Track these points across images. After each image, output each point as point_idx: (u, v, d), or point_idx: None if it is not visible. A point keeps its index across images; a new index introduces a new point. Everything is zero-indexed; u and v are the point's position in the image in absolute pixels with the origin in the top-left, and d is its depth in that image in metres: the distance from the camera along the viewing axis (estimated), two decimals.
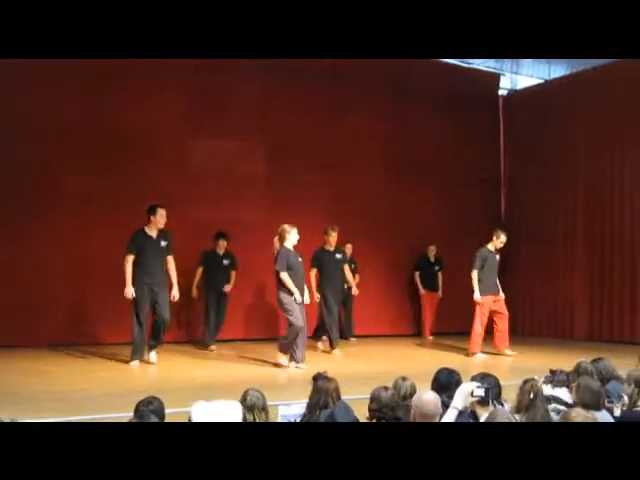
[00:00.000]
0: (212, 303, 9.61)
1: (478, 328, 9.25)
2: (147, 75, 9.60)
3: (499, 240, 9.44)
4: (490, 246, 9.46)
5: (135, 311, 7.85)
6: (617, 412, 4.59)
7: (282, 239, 7.93)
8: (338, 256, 9.67)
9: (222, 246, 9.69)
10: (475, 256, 9.36)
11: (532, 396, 3.96)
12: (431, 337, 11.47)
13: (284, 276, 7.81)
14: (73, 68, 8.73)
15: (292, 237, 7.93)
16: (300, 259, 8.08)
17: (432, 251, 11.60)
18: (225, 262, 9.69)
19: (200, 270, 9.65)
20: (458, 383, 4.33)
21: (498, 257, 9.55)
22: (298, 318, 7.80)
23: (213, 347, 9.47)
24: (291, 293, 7.80)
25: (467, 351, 9.32)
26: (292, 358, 7.91)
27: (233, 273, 9.74)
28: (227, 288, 9.68)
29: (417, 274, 11.68)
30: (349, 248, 10.59)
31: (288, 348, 7.90)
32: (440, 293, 11.65)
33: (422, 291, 11.66)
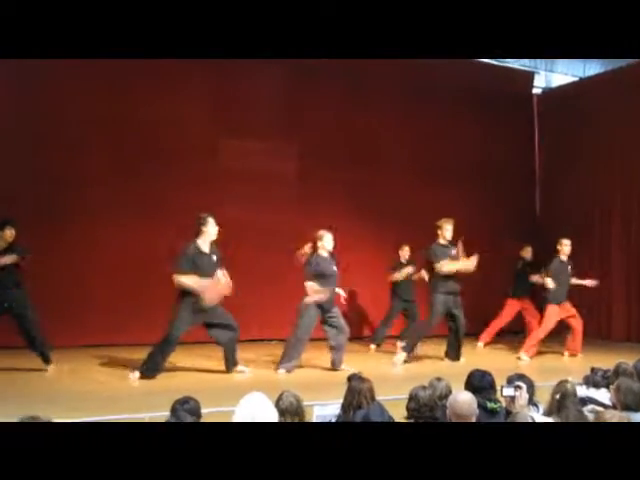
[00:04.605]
0: None
1: (542, 333, 9.11)
2: (173, 76, 9.64)
3: (565, 246, 9.29)
4: (562, 256, 9.29)
5: (172, 328, 6.87)
6: None
7: (316, 245, 7.66)
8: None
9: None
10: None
11: (559, 397, 3.92)
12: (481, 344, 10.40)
13: (310, 285, 7.51)
14: (98, 69, 8.75)
15: (327, 242, 7.67)
16: (334, 266, 7.78)
17: (528, 252, 10.48)
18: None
19: None
20: (491, 384, 4.31)
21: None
22: (306, 327, 7.57)
23: None
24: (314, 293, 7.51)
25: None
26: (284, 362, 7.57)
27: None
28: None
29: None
30: (406, 250, 10.13)
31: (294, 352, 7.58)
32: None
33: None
